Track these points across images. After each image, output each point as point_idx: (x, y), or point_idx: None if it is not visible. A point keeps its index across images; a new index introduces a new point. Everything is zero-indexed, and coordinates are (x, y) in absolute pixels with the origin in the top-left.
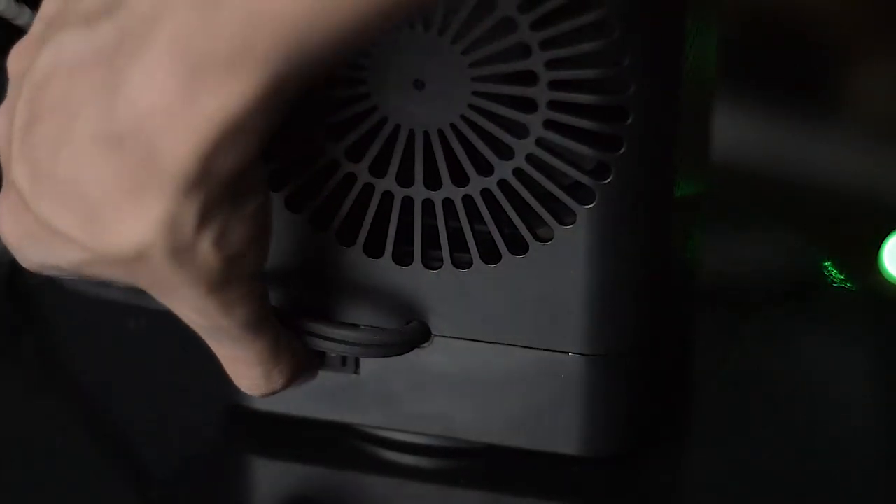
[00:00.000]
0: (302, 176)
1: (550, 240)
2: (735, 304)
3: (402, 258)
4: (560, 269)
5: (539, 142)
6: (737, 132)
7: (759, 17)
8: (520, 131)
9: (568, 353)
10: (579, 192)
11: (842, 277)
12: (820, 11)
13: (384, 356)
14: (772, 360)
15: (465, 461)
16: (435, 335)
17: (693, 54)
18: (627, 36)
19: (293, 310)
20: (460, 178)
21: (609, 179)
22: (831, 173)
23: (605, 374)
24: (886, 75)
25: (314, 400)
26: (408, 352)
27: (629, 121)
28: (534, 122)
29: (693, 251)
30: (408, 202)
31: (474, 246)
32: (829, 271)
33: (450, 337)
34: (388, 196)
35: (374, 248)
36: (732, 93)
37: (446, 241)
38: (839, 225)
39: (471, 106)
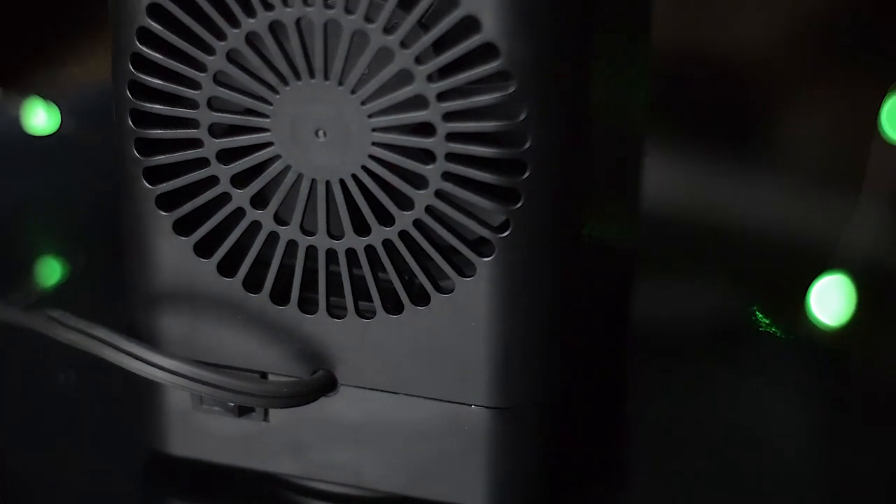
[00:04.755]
0: (209, 223)
1: (452, 291)
2: (664, 350)
3: (308, 306)
4: (462, 320)
5: (438, 193)
6: (664, 180)
7: (688, 65)
8: (419, 182)
9: (471, 405)
10: (480, 245)
11: (768, 323)
12: (750, 60)
13: (290, 406)
14: (701, 406)
15: None
16: (342, 384)
17: (605, 105)
18: (524, 89)
19: (199, 359)
20: (362, 228)
21: (507, 233)
22: (758, 220)
23: (509, 427)
24: (813, 123)
25: (228, 447)
26: (314, 401)
27: (527, 174)
28: (432, 173)
29: (617, 298)
30: (312, 251)
31: (377, 296)
32: (756, 317)
33: (356, 387)
34: (292, 244)
35: (279, 296)
36: (661, 141)
37: (350, 291)
38: (766, 271)
39: (371, 156)
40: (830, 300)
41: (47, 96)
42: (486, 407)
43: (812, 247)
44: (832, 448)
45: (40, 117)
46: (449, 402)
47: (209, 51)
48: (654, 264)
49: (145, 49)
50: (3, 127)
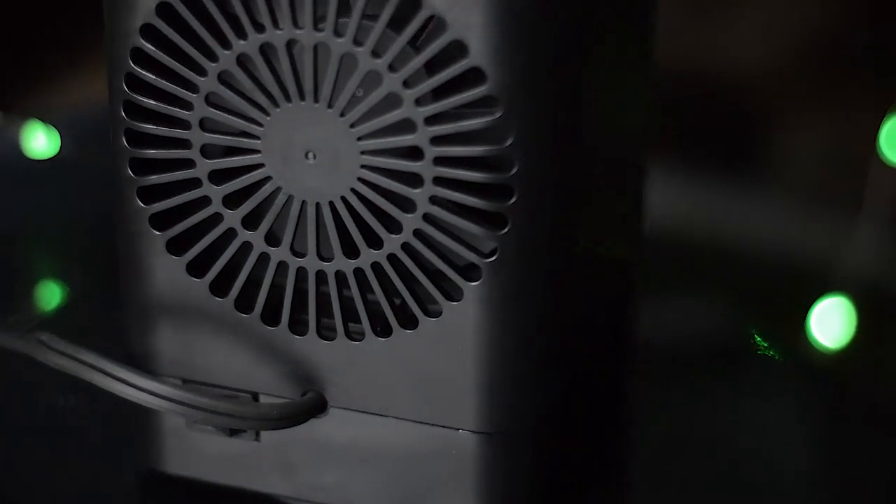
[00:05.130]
0: (201, 243)
1: (440, 315)
2: (660, 370)
3: (299, 327)
4: (450, 344)
5: (426, 217)
6: (663, 198)
7: (688, 84)
8: (407, 206)
9: (458, 429)
10: (467, 269)
11: (766, 345)
12: (748, 80)
13: (279, 428)
14: (698, 427)
15: None
16: (331, 406)
17: (597, 126)
18: (511, 114)
19: (190, 379)
20: (351, 251)
21: (495, 257)
22: (758, 241)
23: (497, 452)
24: (813, 144)
25: (220, 466)
26: (304, 423)
27: (514, 199)
28: (420, 197)
29: (612, 316)
30: (302, 272)
31: (366, 318)
32: (754, 339)
33: (345, 409)
34: (283, 265)
35: (270, 317)
36: (660, 159)
37: (339, 313)
38: (766, 293)
39: (360, 179)
40: (831, 322)
41: (47, 120)
42: (474, 432)
43: (812, 268)
44: (831, 465)
45: (40, 141)
46: (436, 425)
47: (201, 72)
48: (652, 283)
49: (139, 69)
50: (3, 150)
